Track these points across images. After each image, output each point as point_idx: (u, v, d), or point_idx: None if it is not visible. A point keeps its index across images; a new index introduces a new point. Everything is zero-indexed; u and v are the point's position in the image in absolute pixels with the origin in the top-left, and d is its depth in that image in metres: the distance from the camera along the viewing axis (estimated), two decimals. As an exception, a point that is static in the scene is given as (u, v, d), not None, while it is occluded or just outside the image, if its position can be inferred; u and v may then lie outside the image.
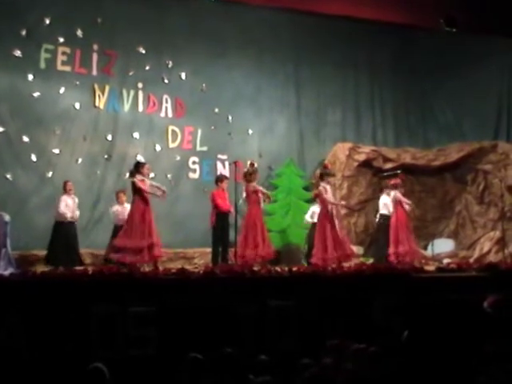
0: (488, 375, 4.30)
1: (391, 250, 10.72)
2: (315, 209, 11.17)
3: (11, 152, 11.20)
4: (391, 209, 11.09)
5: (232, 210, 10.51)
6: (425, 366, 4.81)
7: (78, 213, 10.44)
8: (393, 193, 11.05)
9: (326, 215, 10.25)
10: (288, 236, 12.41)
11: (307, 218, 11.55)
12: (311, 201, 11.88)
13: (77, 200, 10.44)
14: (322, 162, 13.15)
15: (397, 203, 10.96)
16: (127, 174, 10.40)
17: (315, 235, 10.34)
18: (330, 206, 10.30)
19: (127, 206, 10.36)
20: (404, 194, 11.19)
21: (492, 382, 4.23)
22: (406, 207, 10.99)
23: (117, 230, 10.31)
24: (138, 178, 9.54)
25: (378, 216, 11.57)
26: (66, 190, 10.34)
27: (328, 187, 10.42)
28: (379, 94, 14.35)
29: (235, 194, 10.26)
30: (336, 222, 10.37)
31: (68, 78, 11.65)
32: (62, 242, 10.15)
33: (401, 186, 11.13)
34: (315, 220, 10.94)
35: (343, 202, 11.58)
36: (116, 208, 10.77)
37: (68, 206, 10.27)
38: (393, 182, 11.24)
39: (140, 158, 10.62)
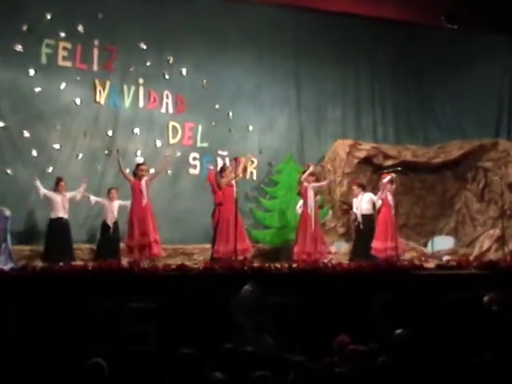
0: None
1: (380, 245, 10.89)
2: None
3: (12, 147, 11.22)
4: (376, 206, 11.32)
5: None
6: (423, 363, 4.82)
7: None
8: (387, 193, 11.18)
9: (305, 211, 10.94)
10: (288, 232, 12.39)
11: (297, 208, 11.65)
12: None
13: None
14: (323, 158, 13.21)
15: (383, 200, 11.16)
16: (127, 170, 10.45)
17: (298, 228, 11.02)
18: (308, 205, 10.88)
19: (116, 204, 10.80)
20: (402, 192, 11.25)
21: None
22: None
23: (105, 225, 10.70)
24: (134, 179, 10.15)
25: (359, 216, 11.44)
26: (57, 188, 10.47)
27: (311, 186, 11.01)
28: (380, 91, 14.33)
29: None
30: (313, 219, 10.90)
31: (69, 74, 11.67)
32: (61, 239, 10.24)
33: (390, 184, 11.28)
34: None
35: (299, 210, 11.23)
36: (102, 201, 10.92)
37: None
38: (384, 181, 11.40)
39: (138, 160, 10.68)
